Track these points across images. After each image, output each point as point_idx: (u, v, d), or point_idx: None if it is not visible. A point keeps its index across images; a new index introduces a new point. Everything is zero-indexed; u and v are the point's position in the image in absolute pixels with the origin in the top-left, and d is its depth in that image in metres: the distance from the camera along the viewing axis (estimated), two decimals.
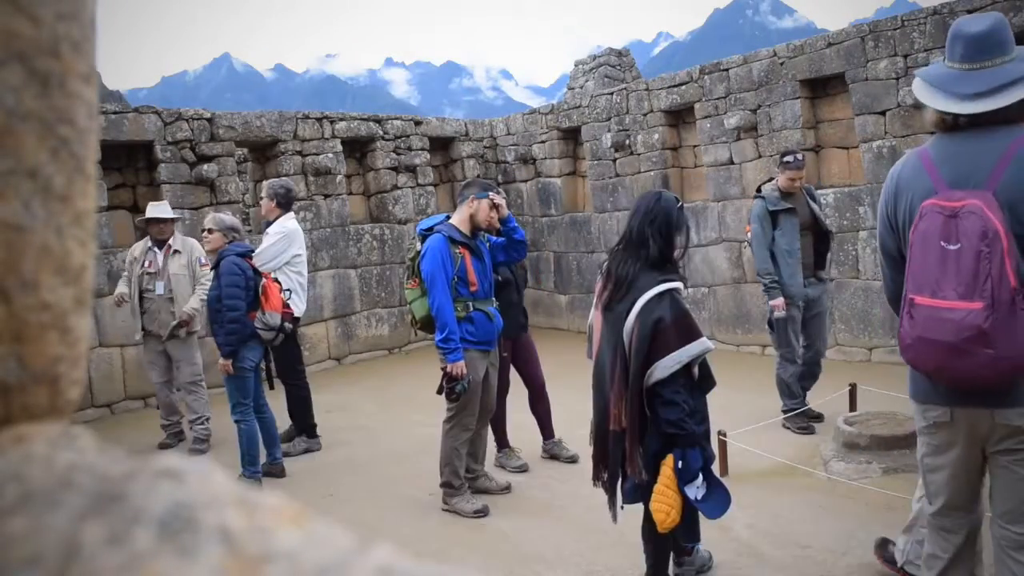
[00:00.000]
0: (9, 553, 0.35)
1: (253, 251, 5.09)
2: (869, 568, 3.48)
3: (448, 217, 4.48)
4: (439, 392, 4.36)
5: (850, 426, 4.83)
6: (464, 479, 4.55)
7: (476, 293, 4.35)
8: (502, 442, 5.20)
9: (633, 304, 3.02)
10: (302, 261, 5.73)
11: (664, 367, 2.94)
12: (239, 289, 4.77)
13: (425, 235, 4.38)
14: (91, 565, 0.35)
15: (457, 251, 4.28)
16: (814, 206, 5.59)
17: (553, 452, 5.23)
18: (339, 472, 5.30)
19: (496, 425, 5.16)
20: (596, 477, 3.33)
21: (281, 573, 0.36)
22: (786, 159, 5.44)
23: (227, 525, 0.37)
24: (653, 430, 3.03)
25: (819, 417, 5.55)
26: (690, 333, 3.00)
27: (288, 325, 5.08)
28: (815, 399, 5.67)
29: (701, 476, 2.96)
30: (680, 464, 2.93)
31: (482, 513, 4.38)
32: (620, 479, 3.22)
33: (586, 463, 5.12)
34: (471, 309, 4.33)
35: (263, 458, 5.23)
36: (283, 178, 6.71)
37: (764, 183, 5.64)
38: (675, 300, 3.02)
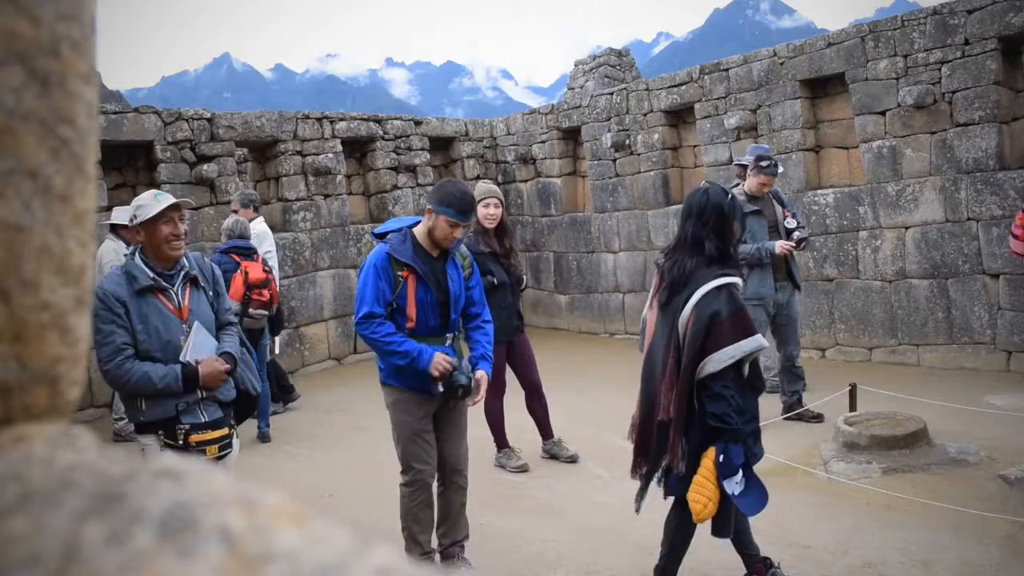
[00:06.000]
0: (9, 553, 0.35)
1: (239, 246, 5.78)
2: (869, 568, 3.48)
3: (417, 223, 3.57)
4: (447, 400, 3.53)
5: (850, 426, 4.83)
6: (429, 550, 3.69)
7: (414, 329, 3.43)
8: (501, 442, 5.20)
9: (690, 297, 3.01)
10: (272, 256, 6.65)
11: (717, 361, 2.92)
12: None
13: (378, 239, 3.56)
14: (91, 565, 0.35)
15: (400, 274, 3.40)
16: (779, 209, 5.60)
17: (553, 452, 5.23)
18: (339, 472, 5.30)
19: (495, 426, 5.16)
20: (635, 468, 3.30)
21: (281, 573, 0.36)
22: (763, 163, 5.45)
23: (227, 525, 0.37)
24: (698, 423, 3.02)
25: (819, 417, 5.56)
26: (745, 329, 2.97)
27: (255, 311, 5.70)
28: (815, 399, 5.68)
29: (741, 472, 2.93)
30: (721, 458, 2.91)
31: None
32: (661, 470, 3.19)
33: (586, 463, 5.14)
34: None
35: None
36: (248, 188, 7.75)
37: (731, 187, 5.71)
38: (732, 295, 3.00)
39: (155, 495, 0.38)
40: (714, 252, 3.05)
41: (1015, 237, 5.38)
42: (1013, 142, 6.50)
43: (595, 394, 6.74)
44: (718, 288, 2.97)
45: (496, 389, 5.11)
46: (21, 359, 0.48)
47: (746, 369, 3.02)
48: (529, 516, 4.39)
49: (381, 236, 3.49)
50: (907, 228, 6.96)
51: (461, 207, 3.39)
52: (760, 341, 2.99)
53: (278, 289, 6.03)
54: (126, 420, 6.14)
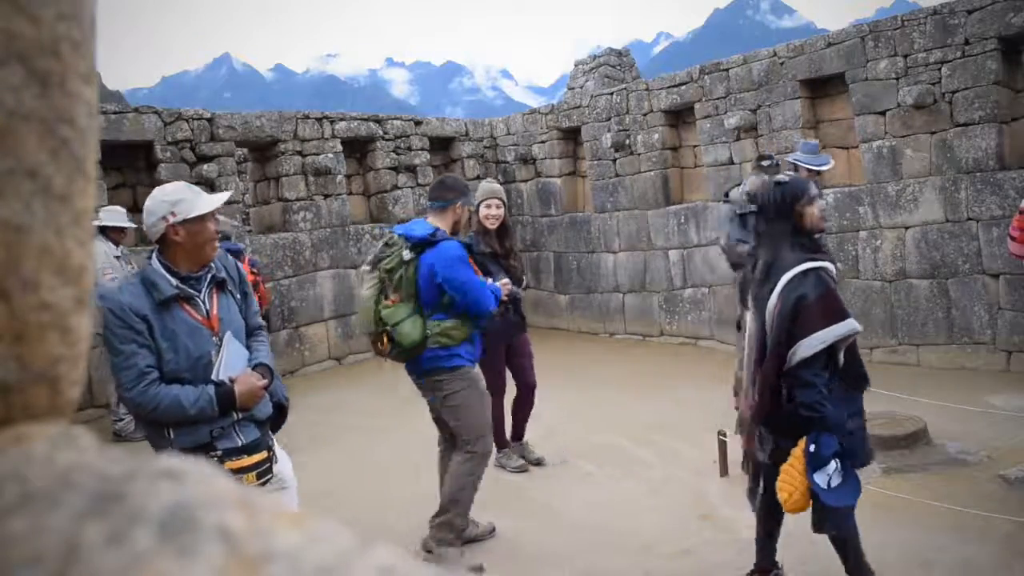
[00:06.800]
0: (9, 553, 0.35)
1: (228, 248, 5.63)
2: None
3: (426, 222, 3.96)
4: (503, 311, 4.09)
5: None
6: (468, 523, 4.01)
7: None
8: (501, 443, 5.19)
9: (776, 284, 2.96)
10: None
11: (808, 346, 2.82)
12: None
13: (423, 242, 3.80)
14: (91, 565, 0.35)
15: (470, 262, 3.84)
16: None
17: (520, 454, 5.23)
18: (339, 472, 5.30)
19: (495, 426, 5.14)
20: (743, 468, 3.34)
21: (281, 573, 0.36)
22: (764, 163, 5.43)
23: (227, 525, 0.37)
24: (787, 412, 2.94)
25: None
26: (836, 313, 2.87)
27: None
28: None
29: (835, 464, 2.83)
30: (812, 448, 2.81)
31: None
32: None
33: (586, 463, 5.14)
34: (473, 328, 3.87)
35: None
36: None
37: (732, 188, 5.67)
38: (821, 279, 2.91)
39: (155, 495, 0.38)
40: (786, 238, 3.04)
41: (1012, 239, 5.41)
42: (1013, 142, 6.50)
43: (595, 394, 6.75)
44: (804, 272, 2.91)
45: (496, 389, 5.11)
46: (21, 359, 0.48)
47: (841, 357, 2.91)
48: (529, 516, 4.40)
49: (432, 235, 3.81)
50: (907, 228, 6.96)
51: (466, 192, 4.02)
52: (853, 325, 2.87)
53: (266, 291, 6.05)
54: (126, 420, 6.14)
